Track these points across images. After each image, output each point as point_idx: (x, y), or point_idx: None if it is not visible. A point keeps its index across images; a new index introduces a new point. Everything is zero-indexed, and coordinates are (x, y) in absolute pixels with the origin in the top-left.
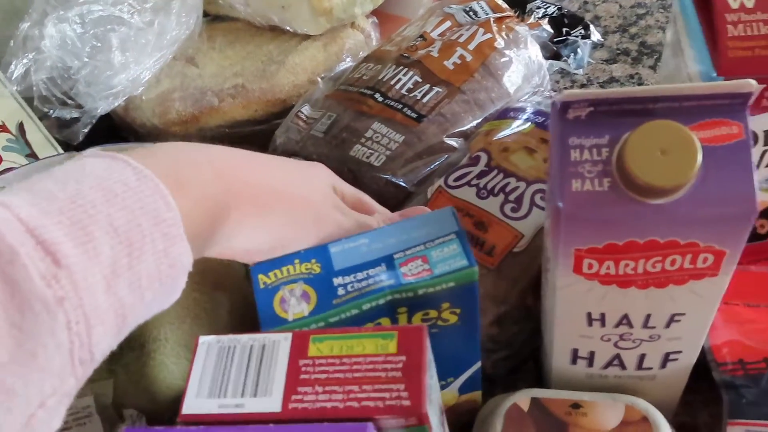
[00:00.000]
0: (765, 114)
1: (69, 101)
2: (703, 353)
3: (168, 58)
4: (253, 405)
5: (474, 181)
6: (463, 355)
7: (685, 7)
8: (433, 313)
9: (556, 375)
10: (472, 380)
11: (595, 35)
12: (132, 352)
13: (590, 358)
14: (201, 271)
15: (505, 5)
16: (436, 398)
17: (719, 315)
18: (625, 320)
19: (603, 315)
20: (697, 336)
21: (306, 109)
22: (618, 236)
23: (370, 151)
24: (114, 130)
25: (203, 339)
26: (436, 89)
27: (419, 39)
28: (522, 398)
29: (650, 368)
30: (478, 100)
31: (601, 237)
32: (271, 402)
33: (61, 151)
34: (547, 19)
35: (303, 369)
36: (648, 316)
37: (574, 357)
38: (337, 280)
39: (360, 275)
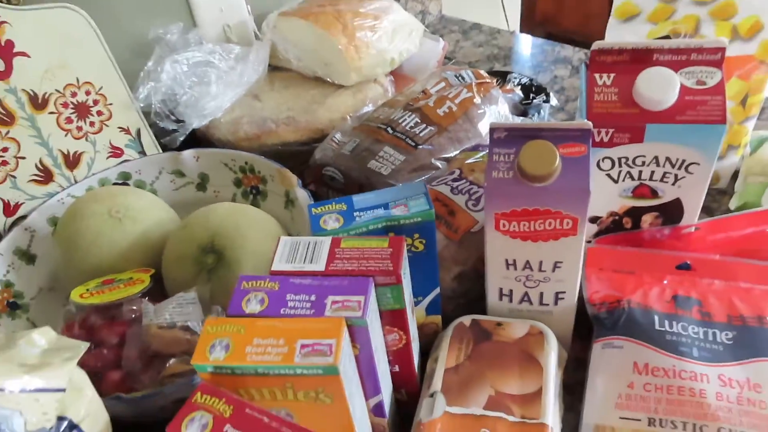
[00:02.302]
0: (616, 147)
1: (173, 117)
2: (583, 303)
3: (241, 94)
4: (309, 267)
5: (450, 184)
6: (428, 278)
7: (582, 84)
8: (409, 240)
9: (491, 309)
10: (434, 304)
11: (554, 101)
12: (223, 269)
13: (510, 295)
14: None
15: (486, 75)
16: (409, 299)
17: (595, 277)
18: (527, 265)
19: (515, 261)
20: (574, 278)
21: (338, 136)
22: (517, 205)
23: (382, 165)
24: (198, 141)
25: (284, 238)
26: (429, 128)
27: (421, 93)
28: (466, 319)
29: (547, 304)
30: (458, 137)
31: (508, 205)
32: (318, 266)
33: (161, 151)
34: (519, 87)
35: (336, 253)
36: (541, 262)
37: (500, 294)
38: (356, 213)
39: (369, 211)
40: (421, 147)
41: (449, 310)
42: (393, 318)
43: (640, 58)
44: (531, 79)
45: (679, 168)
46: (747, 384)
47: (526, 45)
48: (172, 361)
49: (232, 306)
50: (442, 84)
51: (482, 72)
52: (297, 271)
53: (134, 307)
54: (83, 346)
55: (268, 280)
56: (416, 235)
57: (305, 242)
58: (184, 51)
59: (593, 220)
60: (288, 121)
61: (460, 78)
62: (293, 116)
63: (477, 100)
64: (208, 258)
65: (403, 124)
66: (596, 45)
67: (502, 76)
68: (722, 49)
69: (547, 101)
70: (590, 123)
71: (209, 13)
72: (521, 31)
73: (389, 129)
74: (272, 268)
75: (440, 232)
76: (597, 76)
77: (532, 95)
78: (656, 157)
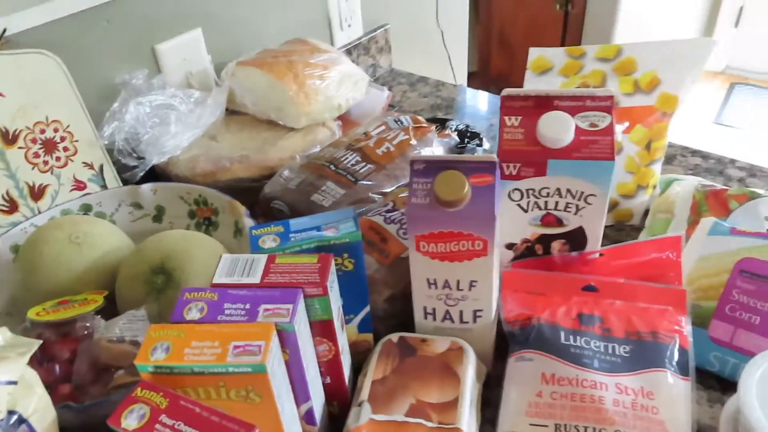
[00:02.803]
0: (524, 180)
1: (134, 154)
2: (501, 323)
3: (199, 134)
4: (246, 280)
5: (383, 214)
6: (359, 297)
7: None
8: (339, 260)
9: (417, 327)
10: (365, 322)
11: (486, 145)
12: (172, 289)
13: (434, 314)
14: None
15: (423, 120)
16: (338, 312)
17: (510, 298)
18: (447, 284)
19: (435, 280)
20: (489, 297)
21: (286, 172)
22: (434, 228)
23: (323, 198)
24: (157, 177)
25: (225, 255)
26: (369, 165)
27: (363, 135)
28: (394, 336)
29: (467, 322)
30: (395, 175)
31: (426, 228)
32: (254, 279)
33: (121, 185)
34: (456, 132)
35: (271, 268)
36: (458, 282)
37: (425, 313)
38: (291, 235)
39: (303, 233)
40: (360, 182)
41: (382, 330)
42: (322, 329)
43: (543, 103)
44: (467, 126)
45: (579, 199)
46: (641, 392)
47: (468, 96)
48: (119, 372)
49: (174, 314)
50: (383, 127)
51: (420, 118)
52: (235, 283)
53: (87, 324)
54: (36, 343)
55: (208, 292)
56: (345, 255)
57: (244, 259)
58: (147, 94)
59: (509, 246)
60: (241, 159)
61: (399, 122)
62: (247, 155)
63: (413, 142)
64: (158, 279)
65: (345, 162)
66: (505, 92)
67: (441, 123)
68: (611, 98)
69: (480, 145)
70: (495, 156)
71: (173, 61)
72: (473, 86)
73: (332, 166)
74: (213, 281)
75: (373, 257)
76: (506, 118)
77: (467, 140)
78: (558, 189)
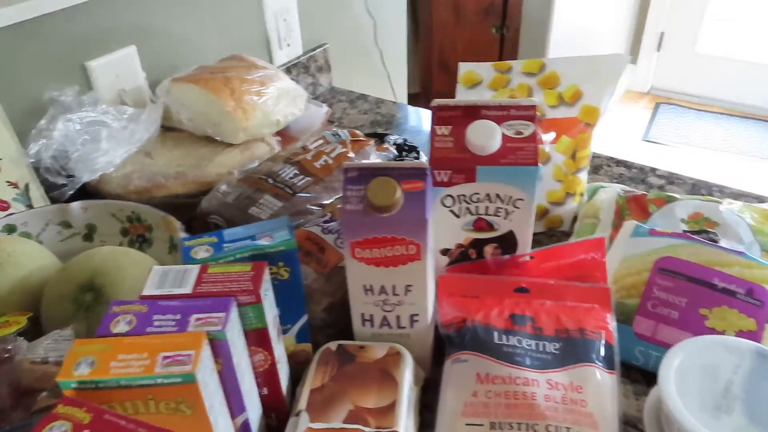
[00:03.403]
0: (455, 186)
1: (63, 172)
2: (437, 328)
3: (133, 151)
4: (177, 291)
5: (321, 225)
6: (295, 306)
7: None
8: (274, 269)
9: (356, 335)
10: (303, 332)
11: (423, 157)
12: (101, 306)
13: (371, 320)
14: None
15: (361, 134)
16: (273, 321)
17: (446, 302)
18: (383, 290)
19: (372, 286)
20: (424, 301)
21: (223, 187)
22: (368, 233)
23: (261, 211)
24: (89, 195)
25: (156, 267)
26: (307, 178)
27: (301, 149)
28: (332, 344)
29: (404, 327)
30: (333, 187)
31: (361, 234)
32: (186, 289)
33: (48, 203)
34: (394, 146)
35: (204, 278)
36: (393, 287)
37: (363, 320)
38: (225, 245)
39: (237, 242)
40: (298, 195)
41: (322, 339)
42: (257, 338)
43: (471, 113)
44: (405, 140)
45: (508, 203)
46: (570, 386)
47: (407, 113)
48: (43, 394)
49: (101, 328)
50: (321, 141)
51: (358, 132)
52: (165, 294)
53: (8, 347)
54: None
55: (137, 304)
56: (281, 264)
57: (176, 270)
58: (78, 111)
59: (444, 252)
60: (177, 176)
61: (336, 136)
62: (183, 171)
63: (351, 154)
64: (86, 296)
65: (283, 175)
66: (435, 102)
67: (380, 137)
68: (533, 107)
69: (417, 158)
70: (425, 163)
71: (105, 78)
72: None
73: (270, 179)
74: (142, 294)
75: (311, 267)
76: (437, 128)
77: (405, 153)
78: (488, 194)
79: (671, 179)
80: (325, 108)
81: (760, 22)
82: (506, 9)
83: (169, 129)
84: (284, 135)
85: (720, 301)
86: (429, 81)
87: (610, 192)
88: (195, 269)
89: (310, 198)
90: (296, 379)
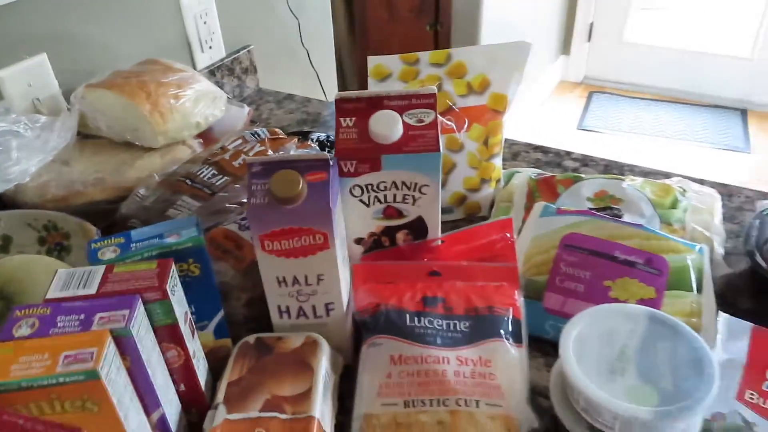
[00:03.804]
0: (362, 176)
1: None
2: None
3: (48, 160)
4: (81, 292)
5: (238, 222)
6: (210, 302)
7: None
8: (184, 266)
9: (275, 327)
10: (221, 327)
11: None
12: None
13: (288, 312)
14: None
15: (281, 132)
16: (184, 317)
17: (361, 290)
18: (296, 281)
19: (284, 278)
20: (337, 289)
21: (142, 191)
22: (276, 226)
23: (179, 212)
24: (3, 206)
25: (60, 270)
26: (225, 178)
27: (219, 149)
28: (251, 338)
29: (321, 316)
30: None
31: (268, 227)
32: (90, 290)
33: None
34: (317, 143)
35: (109, 278)
36: (306, 276)
37: (280, 312)
38: (132, 245)
39: (144, 242)
40: (217, 194)
41: (244, 335)
42: (168, 334)
43: (374, 104)
44: (328, 136)
45: (414, 190)
46: (479, 361)
47: (333, 110)
48: None
49: (2, 333)
50: (239, 141)
51: (277, 130)
52: (70, 296)
53: None
54: None
55: (40, 308)
56: (190, 260)
57: (80, 272)
58: None
59: (357, 241)
60: (96, 182)
61: (256, 135)
62: (102, 177)
63: (270, 153)
64: None
65: (201, 176)
66: (338, 95)
67: (304, 135)
68: (433, 95)
69: None
70: (326, 154)
71: (17, 88)
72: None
73: (188, 181)
74: (46, 297)
75: (229, 264)
76: (341, 119)
77: (327, 149)
78: (394, 182)
79: (585, 161)
80: (246, 108)
81: (684, 11)
82: (438, 5)
83: (87, 136)
84: (207, 137)
85: (622, 272)
86: (366, 79)
87: (522, 176)
88: (100, 270)
89: (228, 197)
90: (217, 375)
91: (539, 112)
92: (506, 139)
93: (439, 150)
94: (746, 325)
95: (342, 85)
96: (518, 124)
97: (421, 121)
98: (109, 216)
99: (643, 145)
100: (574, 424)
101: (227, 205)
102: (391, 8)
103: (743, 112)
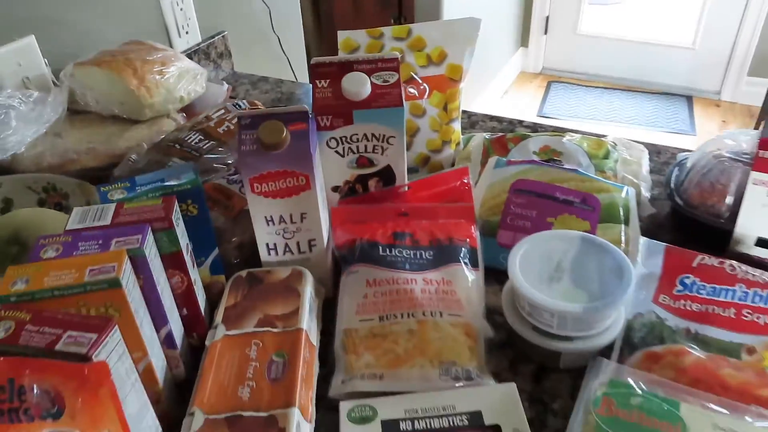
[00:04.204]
0: (336, 129)
1: None
2: (335, 253)
3: (42, 132)
4: (97, 223)
5: (226, 177)
6: (206, 240)
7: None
8: (184, 206)
9: (264, 264)
10: (216, 264)
11: None
12: (25, 257)
13: (275, 249)
14: None
15: (260, 104)
16: (186, 248)
17: (339, 230)
18: (282, 219)
19: (272, 217)
20: (319, 227)
21: (134, 156)
22: (263, 169)
23: None
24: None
25: (77, 208)
26: (212, 142)
27: (204, 118)
28: (243, 272)
29: (305, 252)
30: (236, 148)
31: (257, 170)
32: (105, 222)
33: None
34: None
35: (120, 212)
36: (291, 215)
37: (268, 249)
38: (138, 188)
39: (148, 185)
40: (205, 156)
41: (235, 273)
42: (173, 261)
43: (345, 67)
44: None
45: (382, 141)
46: (442, 281)
47: (307, 89)
48: None
49: (31, 256)
50: (222, 111)
51: (257, 102)
52: (87, 227)
53: None
54: None
55: (62, 236)
56: (189, 201)
57: (95, 208)
58: None
59: (335, 189)
60: (89, 151)
61: (237, 106)
62: (94, 146)
63: None
64: (12, 249)
65: (189, 141)
66: (314, 60)
67: None
68: (396, 59)
69: None
70: (306, 107)
71: (7, 67)
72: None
73: (177, 145)
74: (66, 228)
75: (220, 212)
76: (317, 81)
77: None
78: (365, 134)
79: (535, 128)
80: (225, 86)
81: (633, 4)
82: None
83: (76, 112)
84: (189, 112)
85: (562, 210)
86: None
87: (479, 137)
88: (112, 206)
89: (215, 159)
90: (214, 306)
91: (501, 102)
92: (465, 111)
93: (402, 105)
94: (661, 245)
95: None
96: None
97: (386, 81)
98: (100, 181)
99: (598, 130)
100: (522, 327)
101: (215, 165)
102: (356, 2)
103: (689, 99)
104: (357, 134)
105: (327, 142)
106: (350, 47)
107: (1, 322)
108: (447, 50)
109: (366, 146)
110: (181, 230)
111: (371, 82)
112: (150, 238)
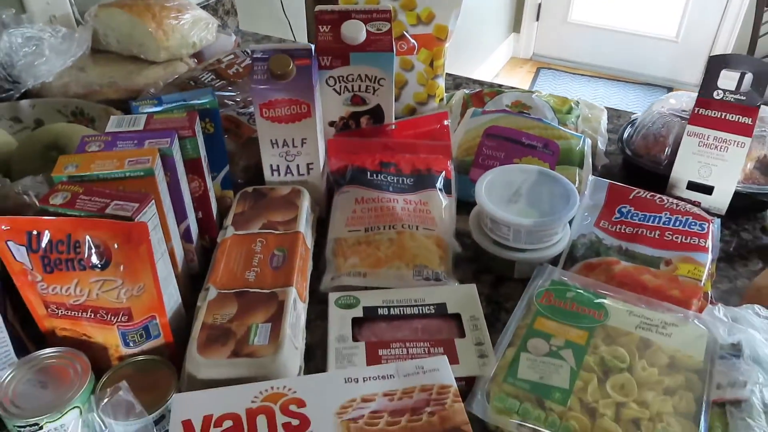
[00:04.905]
0: (335, 69)
1: (10, 79)
2: (329, 178)
3: (69, 64)
4: (132, 128)
5: (236, 110)
6: (219, 156)
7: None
8: (202, 124)
9: (267, 182)
10: (226, 180)
11: None
12: None
13: (278, 170)
14: None
15: None
16: (205, 158)
17: (334, 158)
18: (285, 143)
19: (277, 140)
20: (317, 152)
21: (152, 90)
22: (272, 96)
23: None
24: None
25: (114, 116)
26: (223, 81)
27: (216, 61)
28: (249, 188)
29: (303, 174)
30: (244, 89)
31: (266, 97)
32: (138, 127)
33: None
34: None
35: (151, 122)
36: (293, 140)
37: (272, 170)
38: (164, 105)
39: (174, 103)
40: (217, 93)
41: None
42: (193, 166)
43: (344, 15)
44: None
45: (374, 82)
46: (419, 202)
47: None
48: None
49: (78, 148)
50: (232, 56)
51: None
52: (123, 131)
53: None
54: None
55: (102, 136)
56: (207, 119)
57: (129, 117)
58: (19, 27)
59: (331, 124)
60: (110, 84)
61: (245, 53)
62: (115, 81)
63: None
64: (53, 153)
65: (203, 79)
66: (318, 8)
67: None
68: (388, 11)
69: None
70: (310, 45)
71: (37, 5)
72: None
73: (191, 82)
74: (105, 131)
75: (231, 138)
76: (320, 26)
77: None
78: (359, 75)
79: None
80: (233, 37)
81: None
82: None
83: (98, 51)
84: (200, 58)
85: (526, 152)
86: None
87: (460, 93)
88: (143, 117)
89: (226, 96)
90: (224, 218)
91: None
92: (451, 74)
93: (392, 51)
94: (605, 182)
95: (309, 34)
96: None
97: (379, 30)
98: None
99: None
100: (484, 240)
101: (225, 101)
102: None
103: (669, 90)
104: (352, 74)
105: (326, 81)
106: (351, 1)
107: (60, 192)
108: (435, 11)
109: (360, 86)
110: (201, 141)
111: (366, 30)
112: (176, 142)
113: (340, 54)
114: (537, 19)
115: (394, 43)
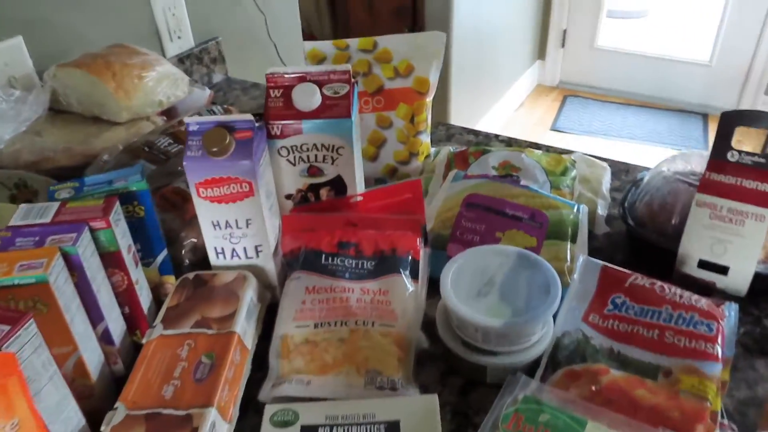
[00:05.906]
0: (287, 138)
1: None
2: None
3: (21, 130)
4: (38, 221)
5: (185, 181)
6: (154, 241)
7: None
8: (130, 207)
9: (213, 267)
10: (165, 265)
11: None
12: None
13: (223, 253)
14: None
15: (234, 109)
16: (127, 247)
17: (288, 236)
18: (228, 224)
19: (218, 221)
20: (264, 233)
21: (105, 157)
22: (208, 175)
23: None
24: None
25: (23, 205)
26: (180, 146)
27: (177, 123)
28: (190, 274)
29: (252, 257)
30: None
31: (202, 175)
32: (46, 219)
33: None
34: None
35: (62, 211)
36: (236, 221)
37: (216, 253)
38: (86, 188)
39: (96, 186)
40: (172, 159)
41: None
42: (112, 260)
43: (298, 78)
44: None
45: (332, 151)
46: (379, 291)
47: None
48: None
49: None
50: (196, 116)
51: (232, 108)
52: (28, 224)
53: None
54: None
55: (2, 231)
56: (135, 202)
57: (39, 206)
58: None
59: (288, 197)
60: (65, 150)
61: (211, 112)
62: (70, 146)
63: None
64: None
65: (159, 144)
66: (269, 70)
67: (260, 115)
68: (347, 72)
69: None
70: (251, 116)
71: None
72: None
73: (146, 148)
74: (8, 225)
75: (176, 215)
76: (270, 90)
77: None
78: (315, 144)
79: (510, 143)
80: (208, 91)
81: (651, 19)
82: (415, 9)
83: (59, 112)
84: (171, 115)
85: (510, 225)
86: None
87: (445, 150)
88: (56, 205)
89: (181, 160)
90: (161, 306)
91: (515, 115)
92: (443, 123)
93: (350, 116)
94: (598, 264)
95: None
96: (494, 124)
97: (336, 93)
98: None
99: (611, 146)
100: (451, 340)
101: (179, 168)
102: (372, 10)
103: (704, 116)
104: (307, 144)
105: (278, 151)
106: (317, 58)
107: None
108: (414, 63)
109: (316, 156)
110: (121, 230)
111: (322, 93)
112: (87, 236)
113: (292, 122)
114: (562, 46)
115: (355, 107)
